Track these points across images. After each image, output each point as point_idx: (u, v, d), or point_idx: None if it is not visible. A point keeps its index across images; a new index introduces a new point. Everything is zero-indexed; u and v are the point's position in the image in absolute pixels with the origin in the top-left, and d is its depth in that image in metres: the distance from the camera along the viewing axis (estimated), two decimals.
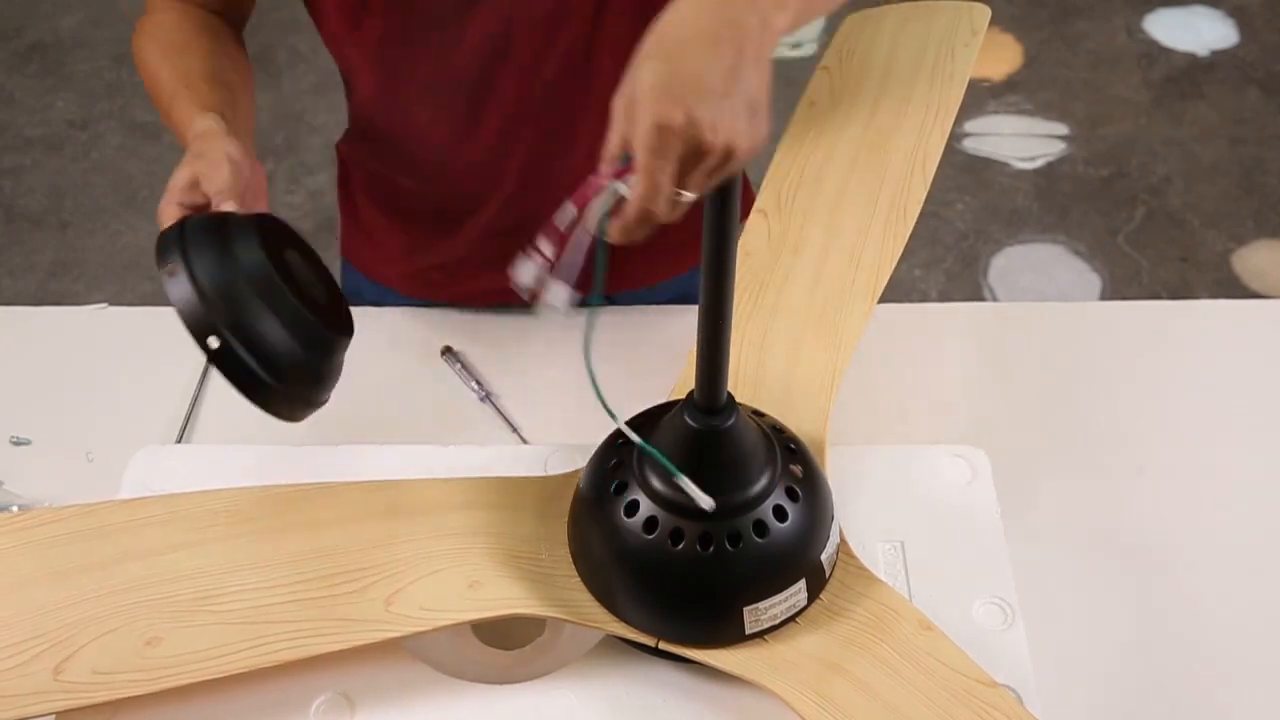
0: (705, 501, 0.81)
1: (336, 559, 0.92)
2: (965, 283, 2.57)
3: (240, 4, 1.17)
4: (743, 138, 0.68)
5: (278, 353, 0.79)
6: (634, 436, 0.80)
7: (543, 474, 1.02)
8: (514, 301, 1.27)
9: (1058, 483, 1.11)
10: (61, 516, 0.94)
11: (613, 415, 0.79)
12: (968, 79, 1.21)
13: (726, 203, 0.76)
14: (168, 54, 1.09)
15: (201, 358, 1.21)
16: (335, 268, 1.38)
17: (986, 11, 1.27)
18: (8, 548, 0.93)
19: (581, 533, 0.92)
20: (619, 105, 0.70)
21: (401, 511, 0.96)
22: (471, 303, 1.29)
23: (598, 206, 0.69)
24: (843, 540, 0.94)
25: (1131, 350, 1.23)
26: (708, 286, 0.79)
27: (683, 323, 1.08)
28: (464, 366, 1.22)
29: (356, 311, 1.32)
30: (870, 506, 1.01)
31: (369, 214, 1.32)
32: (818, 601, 0.90)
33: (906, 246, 1.10)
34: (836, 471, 0.99)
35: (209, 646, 0.86)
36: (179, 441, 1.15)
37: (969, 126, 2.90)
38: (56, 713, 0.85)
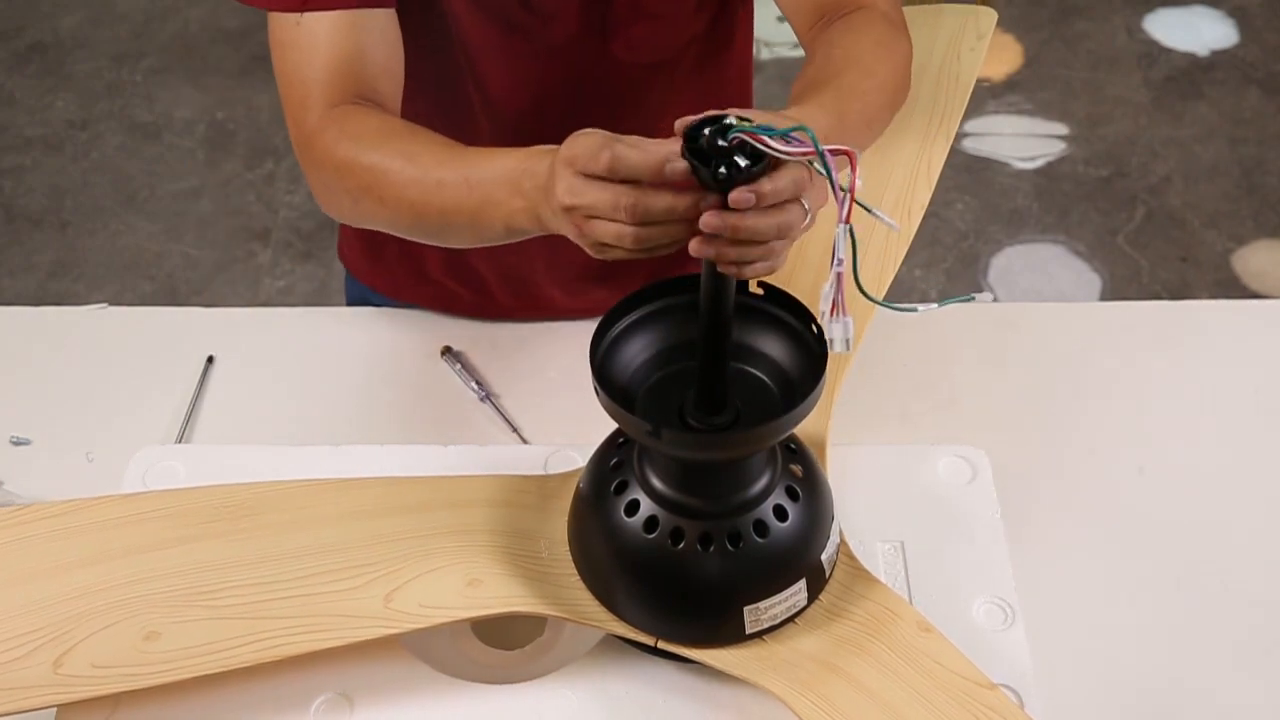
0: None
1: (336, 555, 0.92)
2: (965, 283, 2.57)
3: (396, 98, 1.03)
4: None
5: None
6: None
7: (543, 474, 1.02)
8: (534, 318, 1.28)
9: (1058, 483, 1.11)
10: (61, 511, 0.95)
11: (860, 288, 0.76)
12: (973, 83, 1.21)
13: None
14: (394, 137, 0.94)
15: (201, 358, 1.22)
16: (336, 270, 1.38)
17: (993, 15, 1.28)
18: (8, 541, 0.93)
19: (582, 532, 0.92)
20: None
21: (401, 509, 0.96)
22: (487, 314, 1.28)
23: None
24: (843, 541, 0.94)
25: (1131, 350, 1.23)
26: (708, 290, 0.79)
27: None
28: (464, 367, 1.22)
29: (356, 313, 1.32)
30: (870, 506, 1.01)
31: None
32: (817, 602, 0.90)
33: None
34: (837, 471, 0.99)
35: (208, 642, 0.87)
36: (179, 441, 1.15)
37: (969, 126, 2.90)
38: (56, 706, 0.85)
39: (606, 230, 0.78)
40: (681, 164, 0.74)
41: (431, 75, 1.11)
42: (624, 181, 0.76)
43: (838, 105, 0.92)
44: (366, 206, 0.96)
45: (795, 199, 0.75)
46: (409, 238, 0.99)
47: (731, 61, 1.20)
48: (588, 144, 0.77)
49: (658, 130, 1.14)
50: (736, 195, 0.73)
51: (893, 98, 1.01)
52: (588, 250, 0.80)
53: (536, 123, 1.14)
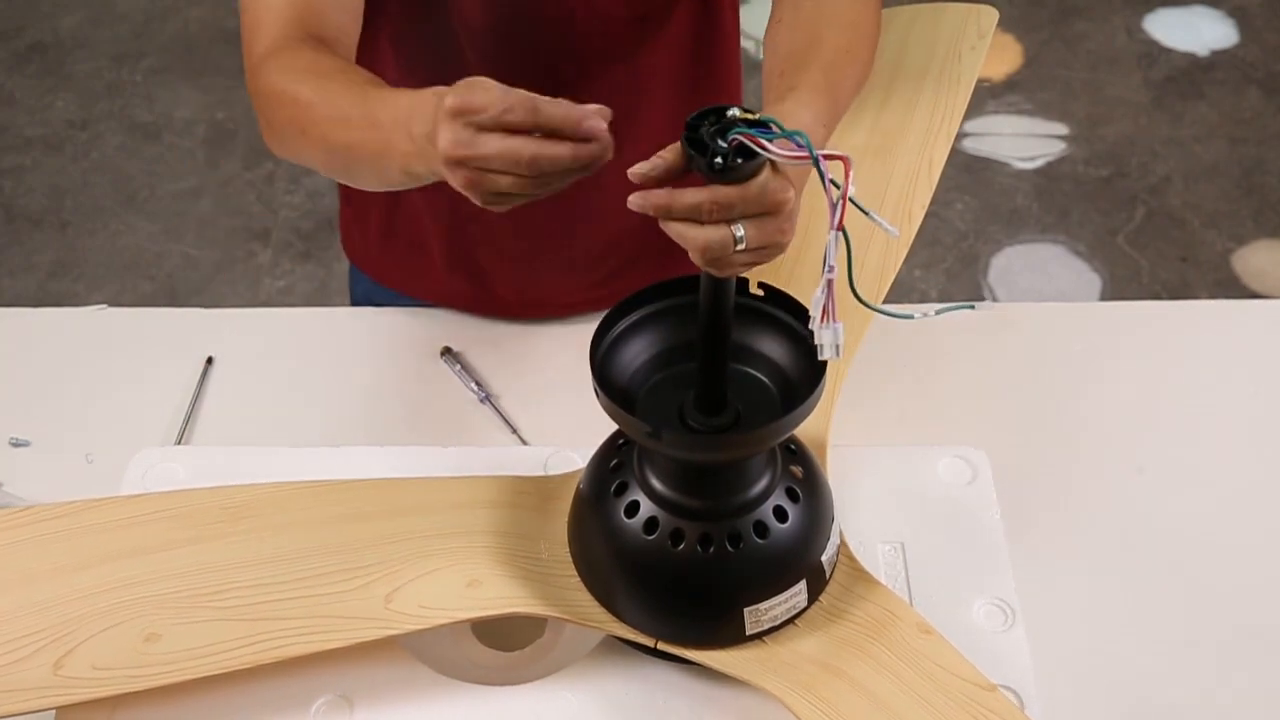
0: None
1: (336, 556, 0.92)
2: (965, 283, 2.56)
3: (351, 31, 1.03)
4: None
5: None
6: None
7: (542, 475, 1.02)
8: (535, 315, 1.27)
9: (1058, 483, 1.11)
10: (62, 513, 0.95)
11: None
12: (974, 82, 1.21)
13: None
14: (318, 75, 0.94)
15: (201, 358, 1.22)
16: (336, 270, 1.37)
17: (994, 14, 1.27)
18: (9, 543, 0.93)
19: (582, 533, 0.92)
20: (781, 191, 0.76)
21: (401, 510, 0.96)
22: (490, 312, 1.28)
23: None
24: (843, 542, 0.94)
25: (1131, 350, 1.23)
26: (708, 291, 0.79)
27: None
28: (463, 367, 1.22)
29: (356, 313, 1.32)
30: (870, 507, 1.01)
31: (386, 215, 1.31)
32: (817, 603, 0.90)
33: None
34: (837, 472, 0.99)
35: (208, 643, 0.87)
36: (179, 442, 1.15)
37: (969, 126, 2.90)
38: (56, 708, 0.85)
39: (501, 183, 0.76)
40: (599, 122, 0.74)
41: (415, 10, 1.11)
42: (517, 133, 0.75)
43: (829, 82, 0.91)
44: (292, 139, 0.95)
45: (723, 220, 0.75)
46: (333, 178, 1.00)
47: (720, 27, 1.20)
48: (486, 97, 0.75)
49: (641, 86, 1.14)
50: (653, 195, 0.74)
51: (872, 41, 0.99)
52: (477, 201, 0.79)
53: (522, 68, 1.13)
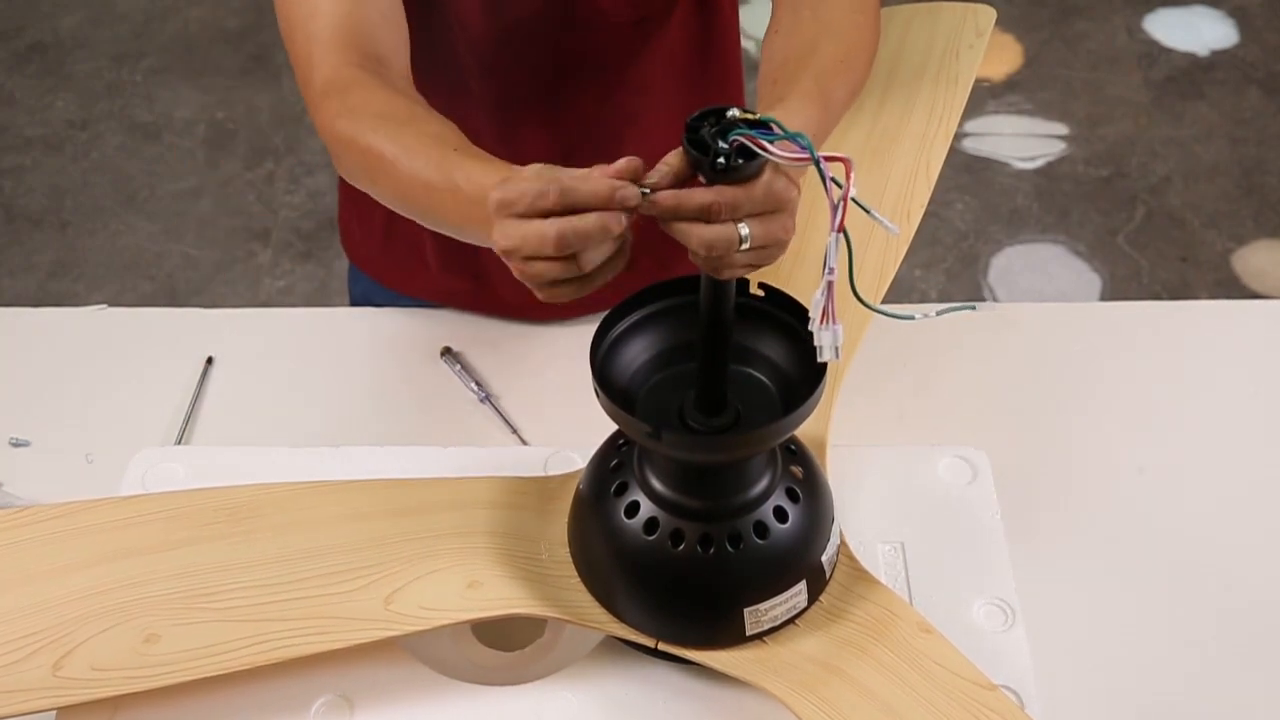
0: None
1: (336, 557, 0.92)
2: (965, 283, 2.56)
3: (402, 47, 1.01)
4: None
5: None
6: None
7: (542, 475, 1.02)
8: (538, 316, 1.27)
9: (1058, 483, 1.11)
10: (61, 513, 0.94)
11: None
12: (972, 81, 1.21)
13: None
14: (391, 123, 0.91)
15: (201, 358, 1.22)
16: (336, 270, 1.37)
17: (992, 13, 1.27)
18: (8, 543, 0.93)
19: (582, 533, 0.92)
20: (785, 190, 0.77)
21: (401, 510, 0.96)
22: (493, 312, 1.28)
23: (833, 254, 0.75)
24: (843, 542, 0.94)
25: (1131, 350, 1.23)
26: (708, 291, 0.79)
27: None
28: (464, 368, 1.22)
29: (356, 313, 1.32)
30: (870, 507, 1.01)
31: (387, 219, 1.31)
32: (818, 603, 0.90)
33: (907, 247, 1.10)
34: (837, 472, 0.99)
35: (208, 644, 0.87)
36: (179, 442, 1.15)
37: (969, 126, 2.90)
38: (56, 709, 0.85)
39: (539, 269, 0.76)
40: (632, 190, 0.74)
41: (415, 13, 1.10)
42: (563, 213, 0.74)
43: (821, 91, 0.91)
44: (364, 183, 0.95)
45: (729, 220, 0.75)
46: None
47: (720, 28, 1.20)
48: (524, 186, 0.75)
49: (641, 87, 1.14)
50: (659, 197, 0.74)
51: (870, 51, 1.00)
52: (541, 296, 0.79)
53: (521, 73, 1.14)
